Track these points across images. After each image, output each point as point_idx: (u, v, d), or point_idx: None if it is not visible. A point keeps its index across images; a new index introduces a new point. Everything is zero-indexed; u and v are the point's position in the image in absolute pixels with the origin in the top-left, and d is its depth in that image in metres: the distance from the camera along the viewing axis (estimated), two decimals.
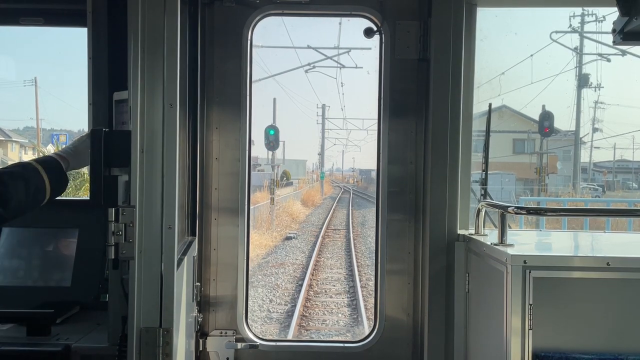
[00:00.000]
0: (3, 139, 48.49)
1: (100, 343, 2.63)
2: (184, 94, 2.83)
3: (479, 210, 3.04)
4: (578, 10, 31.04)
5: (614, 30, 2.78)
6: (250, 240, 3.65)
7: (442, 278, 3.17)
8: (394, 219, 3.46)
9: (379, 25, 3.40)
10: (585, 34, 31.37)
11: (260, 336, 3.56)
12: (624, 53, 28.08)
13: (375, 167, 3.60)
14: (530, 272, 2.36)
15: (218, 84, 3.46)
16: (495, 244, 2.63)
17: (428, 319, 3.22)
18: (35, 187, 2.31)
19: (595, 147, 41.69)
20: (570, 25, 31.08)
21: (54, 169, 2.41)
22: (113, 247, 2.25)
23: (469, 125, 3.25)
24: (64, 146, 2.67)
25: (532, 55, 28.44)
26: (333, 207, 34.36)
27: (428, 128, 3.31)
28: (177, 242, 2.37)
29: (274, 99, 29.78)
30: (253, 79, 3.57)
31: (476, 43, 3.27)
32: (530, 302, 2.36)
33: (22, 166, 2.36)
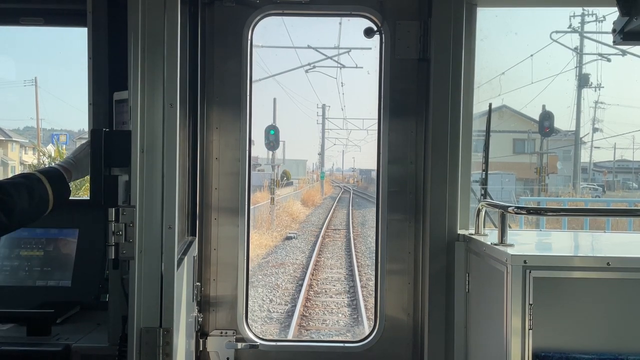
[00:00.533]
0: (3, 139, 48.52)
1: (100, 343, 2.62)
2: (184, 94, 2.83)
3: (479, 210, 3.04)
4: (578, 10, 31.05)
5: (614, 30, 2.79)
6: (251, 240, 3.65)
7: (442, 278, 3.17)
8: (394, 219, 3.46)
9: (379, 25, 3.40)
10: (585, 34, 31.37)
11: (261, 336, 3.56)
12: (624, 53, 28.09)
13: (375, 167, 3.60)
14: (530, 272, 2.36)
15: (218, 84, 3.46)
16: (495, 244, 2.63)
17: (428, 319, 3.22)
18: (39, 197, 2.31)
19: (595, 147, 41.69)
20: (570, 25, 31.08)
21: (57, 179, 2.41)
22: (113, 247, 2.25)
23: (469, 125, 3.25)
24: (65, 152, 2.69)
25: (532, 55, 28.46)
26: (333, 207, 34.36)
27: (428, 128, 3.31)
28: (177, 242, 2.37)
29: (274, 99, 29.80)
30: (253, 79, 3.57)
31: (476, 43, 3.27)
32: (530, 302, 2.36)
33: (25, 176, 2.36)
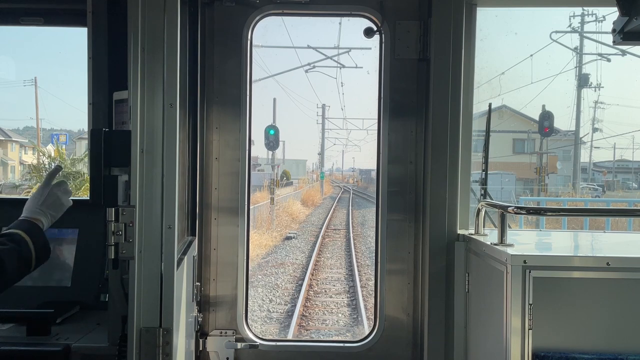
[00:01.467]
0: (3, 139, 48.58)
1: (100, 343, 2.62)
2: (184, 94, 2.83)
3: (478, 210, 3.04)
4: (578, 10, 31.09)
5: (614, 30, 2.78)
6: (250, 240, 3.66)
7: (442, 278, 3.17)
8: (394, 218, 3.46)
9: (379, 25, 3.40)
10: (585, 34, 31.39)
11: (260, 336, 3.56)
12: (624, 53, 28.11)
13: (375, 167, 3.60)
14: (530, 272, 2.36)
15: (218, 84, 3.46)
16: (495, 244, 2.63)
17: (428, 318, 3.22)
18: (24, 260, 2.22)
19: (595, 147, 41.76)
20: (570, 25, 31.13)
21: (38, 237, 2.29)
22: (113, 247, 2.25)
23: (469, 125, 3.25)
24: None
25: (532, 55, 28.47)
26: (333, 207, 34.37)
27: (428, 128, 3.31)
28: (177, 241, 2.37)
29: (274, 99, 29.84)
30: (253, 79, 3.58)
31: (476, 43, 3.27)
32: (530, 302, 2.36)
33: (10, 239, 2.21)
